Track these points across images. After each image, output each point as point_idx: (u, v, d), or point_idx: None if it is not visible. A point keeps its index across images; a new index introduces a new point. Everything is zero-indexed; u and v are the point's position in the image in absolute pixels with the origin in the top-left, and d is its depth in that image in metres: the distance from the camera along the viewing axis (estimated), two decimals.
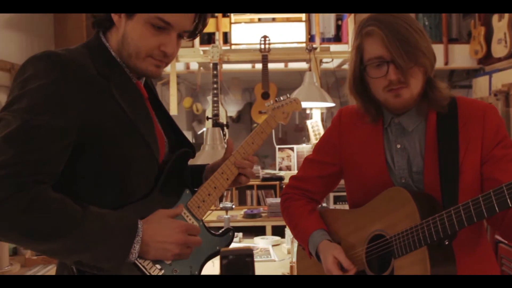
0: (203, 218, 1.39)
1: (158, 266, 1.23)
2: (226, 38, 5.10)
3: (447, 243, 1.26)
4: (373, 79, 1.40)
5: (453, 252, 1.28)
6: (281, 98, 1.63)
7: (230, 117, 7.20)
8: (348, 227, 1.54)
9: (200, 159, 2.48)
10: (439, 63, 5.19)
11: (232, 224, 3.37)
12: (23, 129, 1.04)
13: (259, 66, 4.53)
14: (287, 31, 4.80)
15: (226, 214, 2.96)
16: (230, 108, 6.61)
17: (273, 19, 5.38)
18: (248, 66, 5.30)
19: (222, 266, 1.36)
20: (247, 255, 0.77)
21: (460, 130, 1.38)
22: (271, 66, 5.08)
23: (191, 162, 1.48)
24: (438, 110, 1.42)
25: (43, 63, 1.11)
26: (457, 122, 1.39)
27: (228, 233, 1.42)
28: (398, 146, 1.46)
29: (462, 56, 5.22)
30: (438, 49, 5.19)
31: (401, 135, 1.46)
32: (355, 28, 1.46)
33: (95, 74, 1.18)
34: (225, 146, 2.49)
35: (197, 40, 4.73)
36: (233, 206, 2.99)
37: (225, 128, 2.56)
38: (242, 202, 4.22)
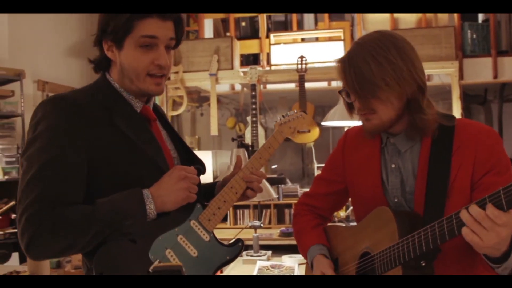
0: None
1: None
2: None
3: (423, 264, 1.27)
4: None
5: (433, 273, 1.29)
6: (288, 114, 1.66)
7: None
8: (345, 243, 1.59)
9: None
10: (488, 77, 5.02)
11: (264, 243, 3.42)
12: (40, 171, 1.23)
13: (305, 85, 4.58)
14: (327, 50, 4.83)
15: (255, 232, 3.02)
16: None
17: (316, 39, 5.44)
18: (292, 85, 5.37)
19: None
20: (177, 270, 0.84)
21: (453, 153, 1.38)
22: (314, 85, 5.12)
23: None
24: (427, 136, 1.42)
25: (49, 106, 1.30)
26: (452, 146, 1.39)
27: (237, 244, 1.47)
28: (393, 165, 1.48)
29: None
30: (486, 62, 5.02)
31: (395, 155, 1.48)
32: None
33: (98, 109, 1.34)
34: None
35: (237, 62, 4.86)
36: (262, 225, 3.04)
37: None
38: (280, 220, 4.26)
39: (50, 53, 4.96)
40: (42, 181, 1.22)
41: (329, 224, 1.76)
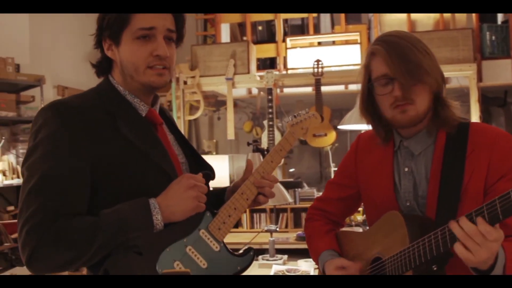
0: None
1: None
2: None
3: (435, 268, 1.26)
4: (380, 97, 1.43)
5: None
6: (300, 113, 1.58)
7: (299, 139, 7.26)
8: (357, 249, 1.58)
9: None
10: (508, 79, 4.95)
11: (280, 247, 3.42)
12: (42, 181, 1.18)
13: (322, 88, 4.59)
14: (344, 53, 4.82)
15: (271, 236, 3.02)
16: None
17: (333, 42, 5.43)
18: (308, 89, 5.38)
19: None
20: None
21: (467, 157, 1.37)
22: (330, 88, 5.12)
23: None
24: (448, 130, 1.42)
25: (50, 112, 1.25)
26: (466, 149, 1.38)
27: (249, 253, 1.41)
28: (406, 169, 1.47)
29: None
30: (506, 64, 4.95)
31: (409, 159, 1.48)
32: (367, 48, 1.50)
33: (101, 114, 1.29)
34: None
35: (253, 66, 4.88)
36: (277, 229, 3.04)
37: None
38: (297, 224, 4.26)
39: (69, 59, 5.03)
40: (43, 192, 1.18)
41: (341, 229, 1.75)
